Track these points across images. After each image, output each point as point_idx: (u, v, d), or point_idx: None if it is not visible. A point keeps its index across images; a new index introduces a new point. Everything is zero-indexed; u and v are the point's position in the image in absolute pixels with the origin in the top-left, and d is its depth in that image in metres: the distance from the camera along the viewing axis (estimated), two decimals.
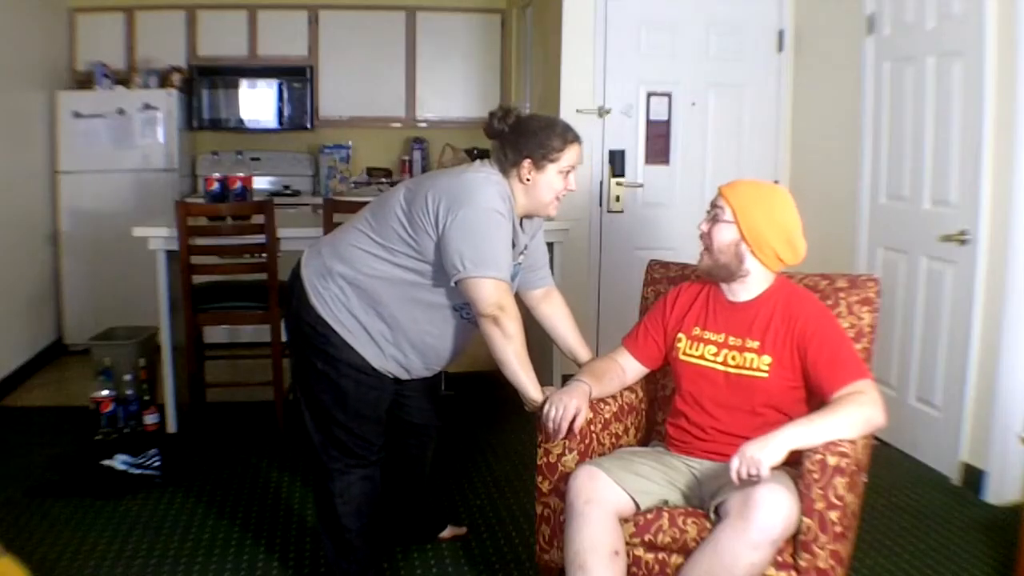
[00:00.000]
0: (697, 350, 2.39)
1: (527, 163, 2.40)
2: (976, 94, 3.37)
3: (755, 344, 2.30)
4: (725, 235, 2.34)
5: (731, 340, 2.34)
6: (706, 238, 2.38)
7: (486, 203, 2.33)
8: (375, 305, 2.43)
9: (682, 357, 2.42)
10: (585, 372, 2.51)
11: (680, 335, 2.44)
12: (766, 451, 2.02)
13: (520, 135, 2.40)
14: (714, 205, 2.37)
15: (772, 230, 2.35)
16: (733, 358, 2.33)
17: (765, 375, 2.27)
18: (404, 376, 2.54)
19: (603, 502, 2.16)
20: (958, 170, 3.51)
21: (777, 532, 2.00)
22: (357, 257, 2.44)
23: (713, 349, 2.36)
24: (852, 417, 2.10)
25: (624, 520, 2.21)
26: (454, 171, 2.50)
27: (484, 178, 2.39)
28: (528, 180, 2.41)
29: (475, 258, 2.30)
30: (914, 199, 3.79)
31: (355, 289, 2.43)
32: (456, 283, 2.34)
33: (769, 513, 1.98)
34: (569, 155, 2.43)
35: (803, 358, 2.25)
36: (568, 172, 2.44)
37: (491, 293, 2.32)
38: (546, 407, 2.32)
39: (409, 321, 2.45)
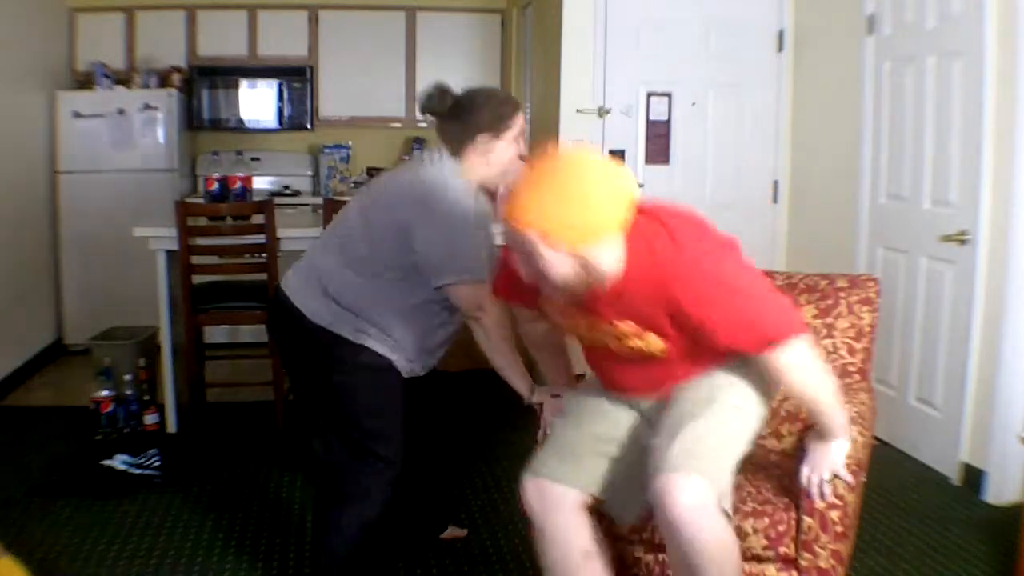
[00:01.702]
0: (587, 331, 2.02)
1: (483, 137, 2.41)
2: (976, 94, 3.37)
3: (642, 330, 1.92)
4: (555, 266, 1.76)
5: (619, 327, 1.93)
6: (542, 283, 1.83)
7: (449, 205, 2.32)
8: (380, 320, 2.41)
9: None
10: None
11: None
12: (827, 466, 2.03)
13: (468, 112, 2.42)
14: (515, 240, 1.78)
15: (585, 212, 1.73)
16: (628, 343, 1.96)
17: (665, 354, 1.95)
18: (407, 374, 2.54)
19: (559, 510, 2.05)
20: (958, 170, 3.51)
21: (711, 545, 1.81)
22: (350, 290, 2.41)
23: (608, 338, 1.99)
24: (816, 383, 1.96)
25: (594, 504, 2.10)
26: (406, 176, 2.50)
27: (438, 174, 2.40)
28: (487, 153, 2.42)
29: (448, 266, 2.32)
30: (914, 199, 3.79)
31: (358, 311, 2.41)
32: (437, 290, 2.36)
33: (694, 532, 1.79)
34: (519, 120, 2.47)
35: (699, 328, 1.83)
36: (519, 138, 2.47)
37: (468, 296, 2.35)
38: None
39: (411, 328, 2.44)
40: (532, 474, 2.10)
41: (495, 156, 2.43)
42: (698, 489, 1.80)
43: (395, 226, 2.35)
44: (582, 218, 1.72)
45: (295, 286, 2.49)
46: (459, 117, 2.43)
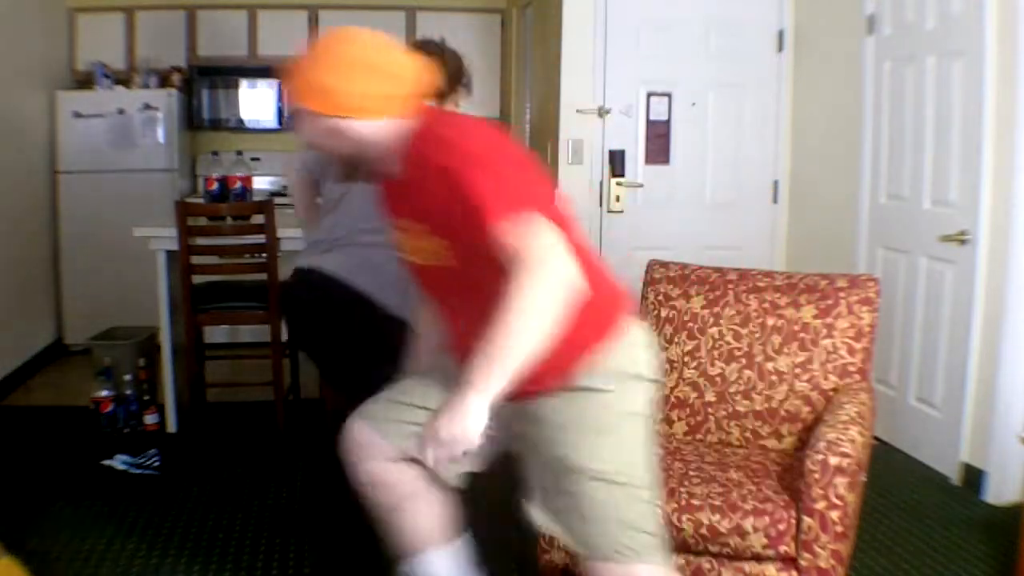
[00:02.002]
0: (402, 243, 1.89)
1: (462, 90, 2.70)
2: (976, 94, 3.37)
3: (426, 228, 1.75)
4: (327, 137, 1.76)
5: (412, 226, 1.80)
6: (316, 147, 1.90)
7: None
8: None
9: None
10: None
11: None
12: (456, 423, 1.60)
13: (452, 65, 2.68)
14: (292, 118, 1.83)
15: (348, 77, 1.73)
16: (422, 250, 1.80)
17: (454, 264, 1.73)
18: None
19: (376, 459, 1.97)
20: (958, 170, 3.51)
21: None
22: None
23: (408, 242, 1.85)
24: (525, 301, 1.54)
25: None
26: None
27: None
28: (458, 105, 2.70)
29: None
30: (914, 199, 3.79)
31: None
32: None
33: None
34: None
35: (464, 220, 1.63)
36: None
37: None
38: None
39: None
40: (360, 418, 2.01)
41: (458, 109, 2.70)
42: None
43: None
44: (346, 85, 1.71)
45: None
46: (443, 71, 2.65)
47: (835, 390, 2.65)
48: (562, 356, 1.68)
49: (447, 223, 1.68)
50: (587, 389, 1.76)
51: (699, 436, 2.80)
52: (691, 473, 2.42)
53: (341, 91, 1.70)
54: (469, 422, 1.59)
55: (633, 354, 1.81)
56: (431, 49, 2.81)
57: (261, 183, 5.82)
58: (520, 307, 1.54)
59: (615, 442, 1.78)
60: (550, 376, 1.72)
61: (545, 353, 1.60)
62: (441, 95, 2.77)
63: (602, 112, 4.62)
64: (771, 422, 2.72)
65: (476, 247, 1.62)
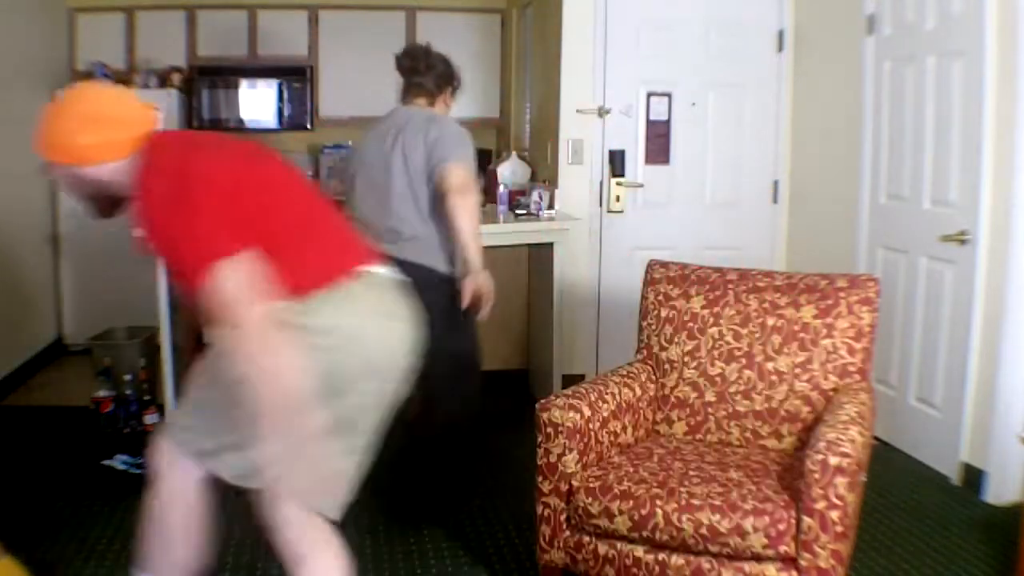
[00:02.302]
0: None
1: (450, 91, 3.30)
2: (976, 94, 3.37)
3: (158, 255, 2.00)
4: (62, 175, 1.99)
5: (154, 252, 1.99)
6: (68, 191, 2.07)
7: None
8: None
9: None
10: None
11: None
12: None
13: (439, 69, 3.23)
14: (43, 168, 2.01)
15: (75, 130, 1.91)
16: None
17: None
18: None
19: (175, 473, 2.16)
20: (958, 170, 3.51)
21: None
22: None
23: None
24: (249, 370, 1.74)
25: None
26: (431, 118, 3.15)
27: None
28: (449, 106, 3.30)
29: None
30: (914, 199, 3.80)
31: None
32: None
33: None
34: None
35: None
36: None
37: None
38: None
39: None
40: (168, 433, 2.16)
41: (448, 109, 3.31)
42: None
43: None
44: (74, 138, 1.90)
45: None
46: (433, 73, 3.22)
47: (835, 390, 2.65)
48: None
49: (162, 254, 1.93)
50: None
51: (699, 436, 2.80)
52: (691, 473, 2.42)
53: (71, 143, 1.91)
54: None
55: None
56: (417, 55, 3.22)
57: None
58: (248, 375, 1.74)
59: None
60: None
61: None
62: (432, 97, 3.23)
63: (602, 112, 4.62)
64: (771, 422, 2.72)
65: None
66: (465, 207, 2.86)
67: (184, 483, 2.15)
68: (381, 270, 2.04)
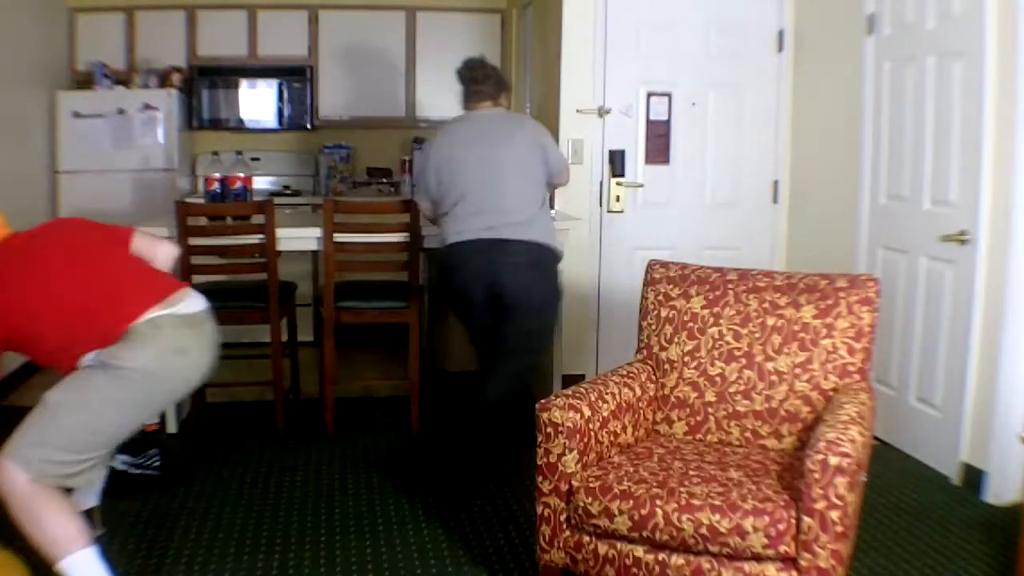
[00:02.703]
0: None
1: (505, 93, 3.74)
2: (976, 94, 3.37)
3: None
4: None
5: None
6: None
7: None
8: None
9: None
10: None
11: None
12: None
13: (494, 77, 3.69)
14: None
15: None
16: None
17: None
18: None
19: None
20: (958, 170, 3.51)
21: None
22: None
23: None
24: None
25: None
26: (514, 120, 3.79)
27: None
28: (509, 106, 3.82)
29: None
30: (914, 199, 3.80)
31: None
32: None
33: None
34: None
35: None
36: None
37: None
38: None
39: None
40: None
41: None
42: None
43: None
44: None
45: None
46: (497, 80, 3.69)
47: (835, 390, 2.65)
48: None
49: None
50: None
51: (699, 436, 2.80)
52: (691, 473, 2.42)
53: None
54: None
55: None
56: (475, 66, 3.66)
57: (261, 183, 5.83)
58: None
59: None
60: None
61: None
62: (494, 100, 3.66)
63: (602, 112, 4.62)
64: (771, 422, 2.72)
65: None
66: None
67: None
68: (171, 311, 2.48)
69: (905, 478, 3.57)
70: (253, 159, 6.05)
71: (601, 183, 4.67)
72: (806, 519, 2.14)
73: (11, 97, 4.93)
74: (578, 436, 2.45)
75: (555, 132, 4.65)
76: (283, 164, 6.25)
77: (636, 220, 4.69)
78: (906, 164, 3.84)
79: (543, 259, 3.52)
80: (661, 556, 2.29)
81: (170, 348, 2.45)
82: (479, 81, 3.63)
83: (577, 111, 4.59)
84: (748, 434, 2.74)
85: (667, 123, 4.72)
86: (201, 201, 4.36)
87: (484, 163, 3.49)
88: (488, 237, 3.42)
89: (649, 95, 4.68)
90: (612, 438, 2.62)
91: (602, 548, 2.37)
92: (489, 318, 3.53)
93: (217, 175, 4.29)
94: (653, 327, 2.94)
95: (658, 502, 2.27)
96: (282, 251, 3.98)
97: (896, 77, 3.90)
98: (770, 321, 2.77)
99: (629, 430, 2.71)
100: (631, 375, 2.80)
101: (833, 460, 2.12)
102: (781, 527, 2.16)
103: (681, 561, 2.27)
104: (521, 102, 5.71)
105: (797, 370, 2.71)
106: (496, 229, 3.42)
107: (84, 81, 5.66)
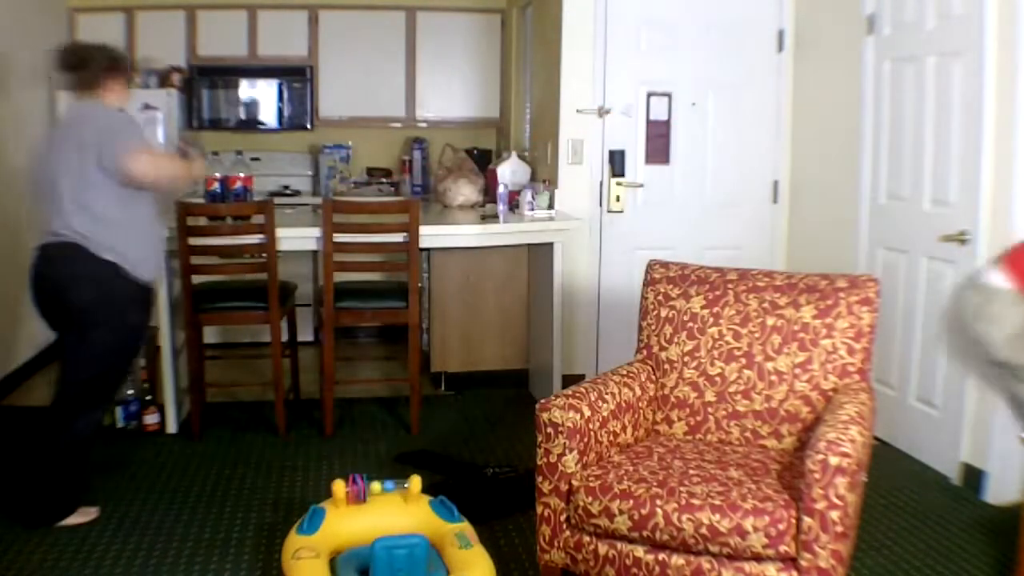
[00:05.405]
0: None
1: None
2: (976, 94, 3.37)
3: None
4: None
5: None
6: None
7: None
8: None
9: None
10: None
11: None
12: None
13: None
14: None
15: None
16: None
17: None
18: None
19: None
20: (958, 170, 3.51)
21: None
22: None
23: None
24: None
25: None
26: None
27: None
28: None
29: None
30: (914, 199, 3.79)
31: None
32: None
33: None
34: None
35: None
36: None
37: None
38: None
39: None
40: None
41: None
42: None
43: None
44: None
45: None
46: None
47: (835, 390, 2.65)
48: None
49: None
50: None
51: (699, 436, 2.80)
52: (691, 472, 2.42)
53: None
54: None
55: None
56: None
57: (261, 183, 5.82)
58: None
59: None
60: None
61: None
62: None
63: (602, 112, 4.62)
64: (771, 422, 2.72)
65: None
66: None
67: None
68: None
69: (905, 478, 3.57)
70: (253, 159, 6.06)
71: (601, 183, 4.67)
72: (806, 519, 2.14)
73: (11, 97, 4.92)
74: (578, 436, 2.45)
75: (555, 132, 4.66)
76: (283, 164, 6.25)
77: (636, 220, 4.69)
78: (906, 164, 3.84)
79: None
80: (661, 556, 2.29)
81: None
82: None
83: (577, 111, 4.59)
84: (748, 434, 2.74)
85: (667, 123, 4.72)
86: (201, 201, 4.36)
87: None
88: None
89: (649, 95, 4.68)
90: (612, 438, 2.62)
91: (602, 548, 2.37)
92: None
93: (217, 175, 4.29)
94: (653, 327, 2.94)
95: (658, 502, 2.27)
96: (282, 251, 3.98)
97: (896, 77, 3.90)
98: (770, 321, 2.77)
99: (629, 430, 2.71)
100: (631, 375, 2.80)
101: (833, 460, 2.12)
102: (781, 527, 2.16)
103: (681, 561, 2.27)
104: (521, 102, 5.71)
105: (797, 370, 2.71)
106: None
107: None
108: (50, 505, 3.08)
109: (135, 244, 3.08)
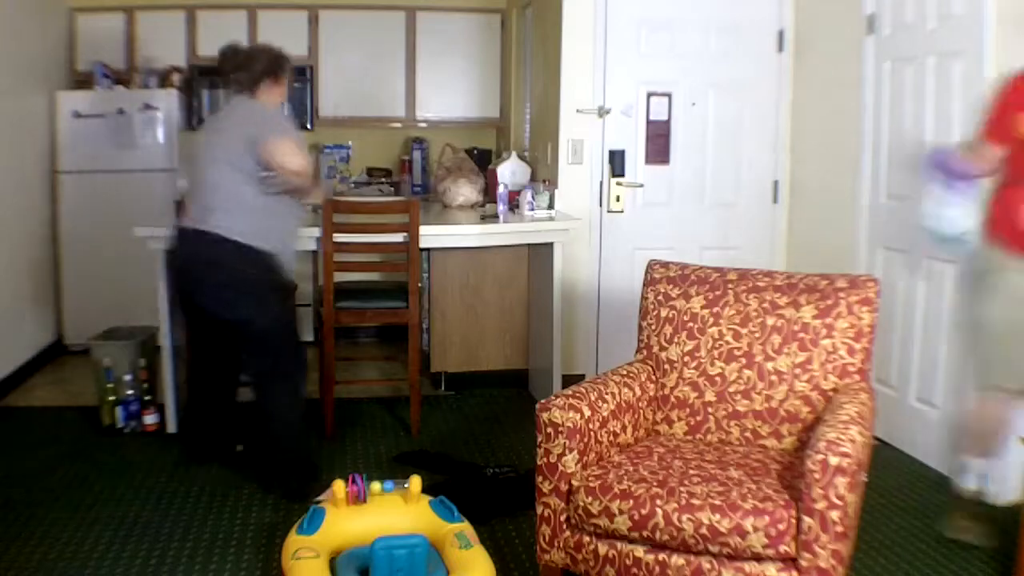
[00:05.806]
0: None
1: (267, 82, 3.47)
2: (976, 94, 3.36)
3: None
4: None
5: None
6: None
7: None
8: None
9: None
10: None
11: None
12: None
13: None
14: None
15: None
16: None
17: None
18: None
19: None
20: None
21: None
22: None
23: None
24: None
25: None
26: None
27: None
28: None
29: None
30: (914, 199, 3.79)
31: None
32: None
33: None
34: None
35: None
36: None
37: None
38: None
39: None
40: None
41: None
42: None
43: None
44: None
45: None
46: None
47: (835, 390, 2.65)
48: None
49: None
50: None
51: (699, 436, 2.80)
52: (691, 472, 2.42)
53: None
54: None
55: None
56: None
57: None
58: None
59: None
60: None
61: None
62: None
63: (602, 112, 4.62)
64: (771, 422, 2.72)
65: None
66: None
67: None
68: None
69: (905, 478, 3.57)
70: None
71: (601, 183, 4.67)
72: (806, 519, 2.14)
73: (11, 97, 4.92)
74: (578, 436, 2.45)
75: (555, 132, 4.66)
76: None
77: (636, 220, 4.69)
78: (906, 164, 3.84)
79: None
80: (661, 556, 2.29)
81: None
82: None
83: (577, 111, 4.59)
84: (748, 434, 2.74)
85: (667, 123, 4.72)
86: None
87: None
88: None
89: (649, 95, 4.68)
90: (612, 438, 2.62)
91: (602, 548, 2.37)
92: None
93: None
94: (653, 327, 2.94)
95: (658, 502, 2.27)
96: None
97: (896, 77, 3.90)
98: (770, 321, 2.77)
99: (629, 430, 2.71)
100: (631, 375, 2.80)
101: (833, 460, 2.12)
102: (781, 527, 2.16)
103: (681, 561, 2.27)
104: (521, 102, 5.71)
105: (797, 370, 2.71)
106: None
107: (84, 81, 5.66)
108: (299, 480, 3.33)
109: (277, 233, 3.33)
